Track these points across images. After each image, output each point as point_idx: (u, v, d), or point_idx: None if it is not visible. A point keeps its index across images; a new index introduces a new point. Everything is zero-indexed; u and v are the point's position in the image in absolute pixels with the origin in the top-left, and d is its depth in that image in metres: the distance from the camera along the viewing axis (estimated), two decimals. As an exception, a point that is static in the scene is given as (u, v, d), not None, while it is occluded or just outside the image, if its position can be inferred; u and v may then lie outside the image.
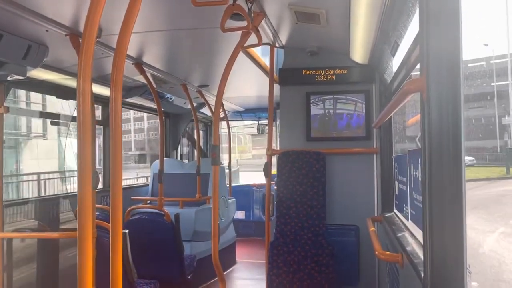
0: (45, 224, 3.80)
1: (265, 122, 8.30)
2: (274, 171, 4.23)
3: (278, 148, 4.39)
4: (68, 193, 4.32)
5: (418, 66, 1.94)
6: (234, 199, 6.47)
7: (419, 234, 2.28)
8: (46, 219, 4.05)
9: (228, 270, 6.00)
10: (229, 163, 7.61)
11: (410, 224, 2.55)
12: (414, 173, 2.18)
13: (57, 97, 4.39)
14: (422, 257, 1.70)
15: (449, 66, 1.34)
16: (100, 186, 4.76)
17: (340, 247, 3.92)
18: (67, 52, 3.16)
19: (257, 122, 8.66)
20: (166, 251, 4.37)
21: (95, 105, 4.58)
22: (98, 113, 5.26)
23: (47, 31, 2.91)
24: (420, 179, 1.84)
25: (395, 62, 2.81)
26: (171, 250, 4.36)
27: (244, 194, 7.94)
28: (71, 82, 4.21)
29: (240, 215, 7.91)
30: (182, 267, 4.41)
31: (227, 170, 7.23)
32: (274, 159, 4.26)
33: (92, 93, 2.19)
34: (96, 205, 3.15)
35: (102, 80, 4.31)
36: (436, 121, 1.35)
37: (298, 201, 3.96)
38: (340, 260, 3.90)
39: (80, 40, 2.53)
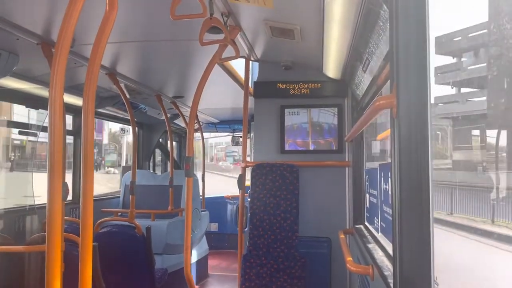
0: (10, 237, 3.67)
1: (240, 134, 8.31)
2: (248, 183, 4.24)
3: (252, 160, 4.41)
4: (35, 204, 4.18)
5: (388, 82, 2.01)
6: (207, 211, 6.42)
7: (389, 246, 2.33)
8: (12, 232, 3.91)
9: (200, 284, 5.93)
10: (203, 174, 7.57)
11: (380, 236, 2.60)
12: (385, 186, 2.23)
13: (27, 106, 4.28)
14: (391, 269, 1.73)
15: (418, 84, 1.39)
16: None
17: (313, 259, 3.94)
18: (38, 61, 3.10)
19: (231, 134, 8.67)
20: (137, 264, 4.28)
21: (67, 115, 4.48)
22: (69, 122, 5.16)
23: (18, 39, 2.85)
24: (390, 192, 1.89)
25: (367, 78, 2.89)
26: (142, 263, 4.27)
27: (217, 206, 7.88)
28: (41, 91, 4.11)
29: (213, 227, 7.84)
30: (153, 280, 4.33)
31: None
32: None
33: (63, 103, 2.15)
34: (65, 218, 3.07)
35: (74, 89, 4.23)
36: (405, 136, 1.39)
37: (271, 214, 3.97)
38: (313, 272, 3.92)
39: (53, 49, 2.49)
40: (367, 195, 3.11)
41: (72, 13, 1.77)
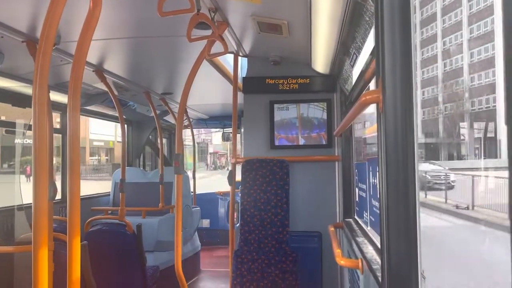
0: None
1: (230, 130, 8.30)
2: (238, 178, 4.24)
3: (242, 156, 4.40)
4: (23, 204, 4.14)
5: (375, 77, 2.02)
6: (198, 208, 6.41)
7: (378, 240, 2.35)
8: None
9: (192, 280, 5.93)
10: (193, 171, 7.55)
11: (370, 230, 2.62)
12: (373, 180, 2.25)
13: (13, 105, 4.22)
14: (380, 263, 1.75)
15: (403, 78, 1.40)
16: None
17: (304, 253, 3.96)
18: (23, 58, 3.06)
19: (222, 130, 8.66)
20: (128, 262, 4.27)
21: (54, 113, 4.43)
22: (57, 121, 5.11)
23: (2, 37, 2.81)
24: (378, 186, 1.90)
25: (355, 73, 2.90)
26: (133, 261, 4.26)
27: (209, 202, 7.89)
28: (28, 89, 4.06)
29: (205, 223, 7.84)
30: (144, 278, 4.32)
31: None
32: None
33: (49, 101, 2.13)
34: (54, 217, 3.05)
35: (61, 87, 4.19)
36: (391, 130, 1.40)
37: (262, 209, 3.98)
38: (304, 266, 3.95)
39: (38, 47, 2.46)
40: (357, 189, 3.13)
41: (55, 10, 1.75)
